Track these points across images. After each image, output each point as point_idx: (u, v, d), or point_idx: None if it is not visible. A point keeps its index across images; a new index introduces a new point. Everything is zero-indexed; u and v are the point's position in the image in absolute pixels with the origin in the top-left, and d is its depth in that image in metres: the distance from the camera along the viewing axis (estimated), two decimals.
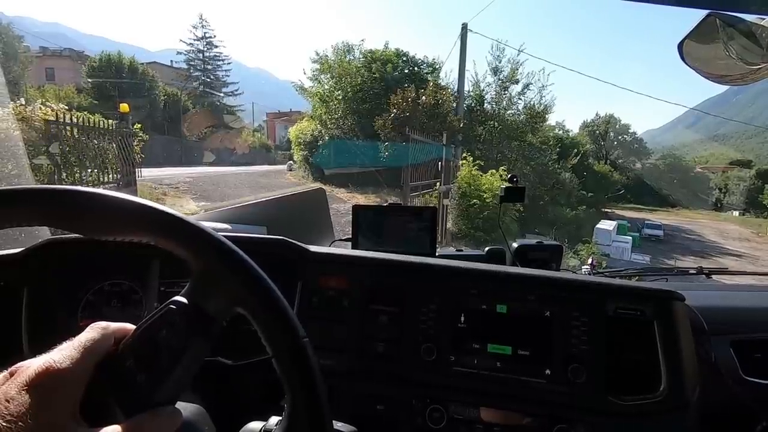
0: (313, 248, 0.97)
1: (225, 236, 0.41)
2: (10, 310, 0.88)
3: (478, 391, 0.85)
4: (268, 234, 1.20)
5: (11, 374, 0.33)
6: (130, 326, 0.40)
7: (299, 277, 0.94)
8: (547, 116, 15.94)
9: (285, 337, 0.38)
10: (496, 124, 14.92)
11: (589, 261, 1.64)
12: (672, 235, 22.32)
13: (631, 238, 16.44)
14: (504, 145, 14.08)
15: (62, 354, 0.34)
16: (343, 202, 11.24)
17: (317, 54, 18.33)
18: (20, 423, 0.30)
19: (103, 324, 0.39)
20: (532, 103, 15.54)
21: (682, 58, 0.93)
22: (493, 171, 8.41)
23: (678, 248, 18.97)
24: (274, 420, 0.51)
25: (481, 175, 8.06)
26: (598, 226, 15.79)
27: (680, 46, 0.91)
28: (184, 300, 0.40)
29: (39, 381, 0.32)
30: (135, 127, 7.63)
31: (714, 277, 1.46)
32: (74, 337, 0.38)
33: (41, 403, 0.31)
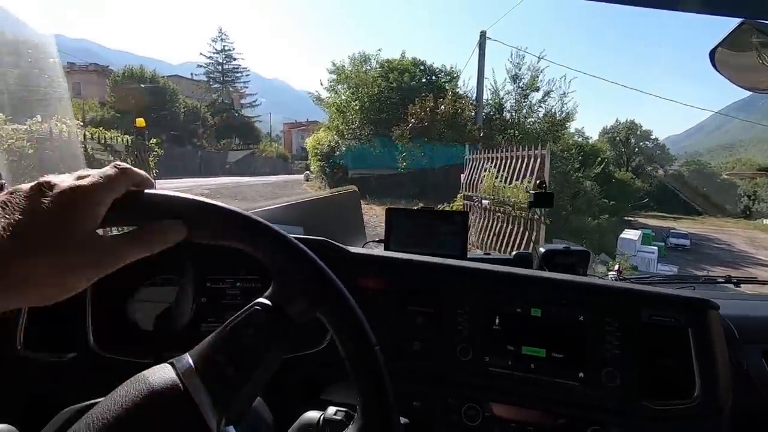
0: (351, 249, 1.00)
1: None
2: (77, 300, 0.92)
3: (513, 391, 0.86)
4: (304, 233, 1.24)
5: (41, 186, 0.36)
6: (146, 175, 0.42)
7: (338, 277, 0.92)
8: (568, 124, 15.55)
9: (360, 344, 0.41)
10: (516, 132, 14.58)
11: (615, 267, 1.65)
12: (699, 245, 21.37)
13: (656, 248, 15.78)
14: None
15: (87, 180, 0.37)
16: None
17: (334, 64, 18.41)
18: (50, 228, 0.34)
19: (123, 165, 0.40)
20: (553, 111, 15.19)
21: (714, 66, 0.92)
22: (517, 184, 8.09)
23: (706, 258, 18.15)
24: (332, 410, 0.54)
25: (504, 187, 7.78)
26: (622, 236, 15.18)
27: (712, 53, 0.90)
28: (268, 302, 0.43)
29: (69, 194, 0.36)
30: (151, 141, 7.65)
31: (743, 286, 1.45)
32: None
33: (71, 212, 0.35)
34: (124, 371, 0.42)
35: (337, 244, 1.00)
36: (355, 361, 0.42)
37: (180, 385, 0.38)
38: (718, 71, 0.93)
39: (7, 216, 0.33)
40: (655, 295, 0.88)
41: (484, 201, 7.37)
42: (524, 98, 15.36)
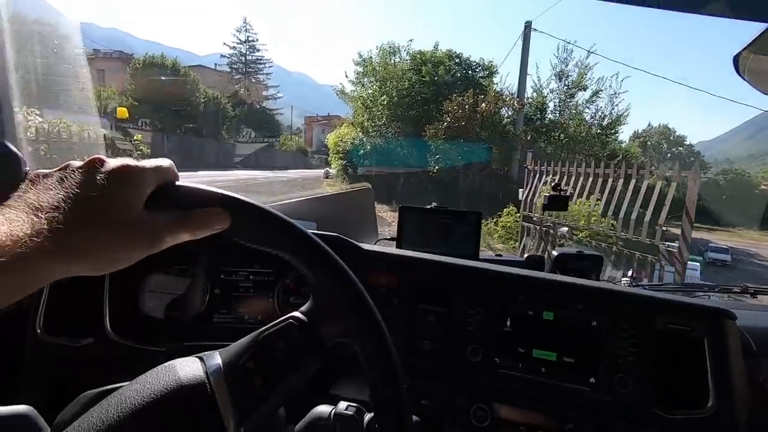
0: (364, 246, 1.00)
1: None
2: (95, 286, 0.95)
3: (523, 394, 0.86)
4: (317, 230, 1.15)
5: (94, 162, 0.37)
6: (171, 171, 0.41)
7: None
8: (619, 128, 14.01)
9: (389, 384, 0.41)
10: (561, 135, 13.16)
11: (629, 273, 1.62)
12: (740, 260, 19.58)
13: (698, 263, 14.24)
14: (569, 159, 12.31)
15: (133, 161, 0.39)
16: (387, 224, 8.52)
17: (360, 56, 17.26)
18: (105, 202, 0.36)
19: (165, 163, 0.41)
20: (602, 112, 13.69)
21: (737, 71, 0.90)
22: (582, 200, 6.66)
23: (750, 276, 16.54)
24: (343, 405, 0.53)
25: (586, 212, 6.43)
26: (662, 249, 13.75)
27: (736, 58, 0.86)
28: (303, 318, 0.42)
29: (119, 171, 0.37)
30: (136, 138, 6.54)
31: (759, 297, 1.38)
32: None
33: (121, 188, 0.37)
34: (139, 358, 0.45)
35: (350, 240, 0.99)
36: (380, 400, 0.41)
37: (207, 384, 0.38)
38: (741, 77, 0.91)
39: (66, 189, 0.35)
40: (672, 302, 0.86)
41: (561, 228, 5.96)
42: (570, 98, 13.93)
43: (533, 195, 7.32)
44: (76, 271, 0.35)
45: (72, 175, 0.36)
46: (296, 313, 0.42)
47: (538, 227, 6.64)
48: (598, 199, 6.32)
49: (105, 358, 0.93)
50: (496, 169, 12.64)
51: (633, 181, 6.19)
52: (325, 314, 0.42)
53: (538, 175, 7.44)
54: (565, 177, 6.90)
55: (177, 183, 0.41)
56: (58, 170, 0.37)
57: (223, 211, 0.40)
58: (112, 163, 0.37)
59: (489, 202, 10.76)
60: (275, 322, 0.42)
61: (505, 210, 7.89)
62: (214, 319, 1.00)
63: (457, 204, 11.87)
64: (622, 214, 6.01)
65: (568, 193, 6.48)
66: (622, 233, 5.97)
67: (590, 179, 6.47)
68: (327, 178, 21.08)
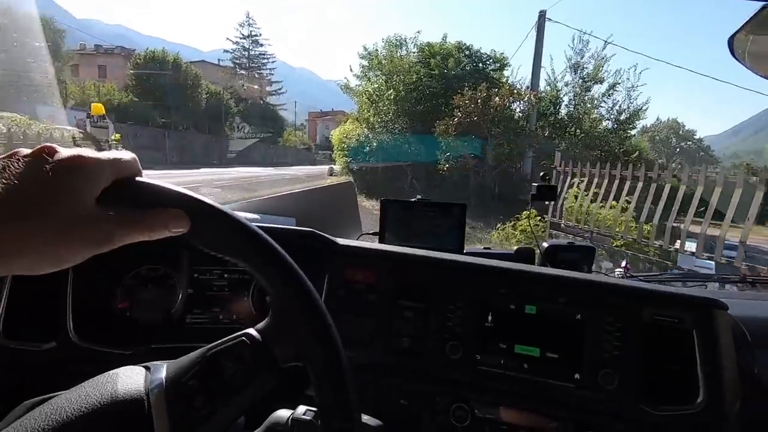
0: (341, 241, 0.98)
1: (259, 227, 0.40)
2: (58, 288, 0.92)
3: (504, 391, 0.83)
4: (296, 225, 1.16)
5: (42, 151, 0.34)
6: (133, 165, 0.38)
7: (327, 269, 0.93)
8: (636, 123, 13.34)
9: (342, 421, 0.38)
10: (578, 131, 12.52)
11: (623, 264, 1.56)
12: (755, 258, 18.89)
13: (713, 263, 13.68)
14: (584, 156, 11.59)
15: (90, 152, 0.36)
16: None
17: (365, 49, 16.63)
18: (48, 195, 0.32)
19: (132, 154, 0.39)
20: (620, 107, 13.03)
21: (733, 54, 0.87)
22: (615, 203, 6.05)
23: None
24: (301, 409, 0.52)
25: (601, 207, 5.85)
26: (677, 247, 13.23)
27: (731, 40, 0.83)
28: (258, 337, 0.40)
29: (69, 162, 0.34)
30: (115, 137, 5.95)
31: (758, 286, 1.36)
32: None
33: (70, 181, 0.33)
34: (104, 362, 0.42)
35: (325, 235, 0.97)
36: (330, 422, 0.38)
37: (144, 400, 0.37)
38: (738, 60, 0.87)
39: (5, 180, 0.32)
40: (659, 293, 0.83)
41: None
42: (586, 91, 13.26)
43: (561, 199, 6.55)
44: (11, 270, 0.32)
45: (15, 164, 0.32)
46: (251, 330, 0.40)
47: (569, 236, 6.03)
48: (628, 202, 5.74)
49: (68, 363, 0.88)
50: (508, 166, 12.05)
51: (680, 189, 5.56)
52: (280, 334, 0.40)
53: (569, 177, 6.74)
54: (606, 180, 6.24)
55: (138, 179, 0.37)
56: (3, 158, 0.33)
57: (182, 213, 0.37)
58: (64, 152, 0.34)
59: (502, 202, 10.20)
60: (227, 338, 0.40)
61: (524, 213, 7.28)
62: (187, 320, 0.98)
63: (468, 203, 11.31)
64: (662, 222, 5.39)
65: (608, 199, 5.95)
66: (660, 243, 5.39)
67: (628, 183, 5.85)
68: (331, 175, 20.58)
